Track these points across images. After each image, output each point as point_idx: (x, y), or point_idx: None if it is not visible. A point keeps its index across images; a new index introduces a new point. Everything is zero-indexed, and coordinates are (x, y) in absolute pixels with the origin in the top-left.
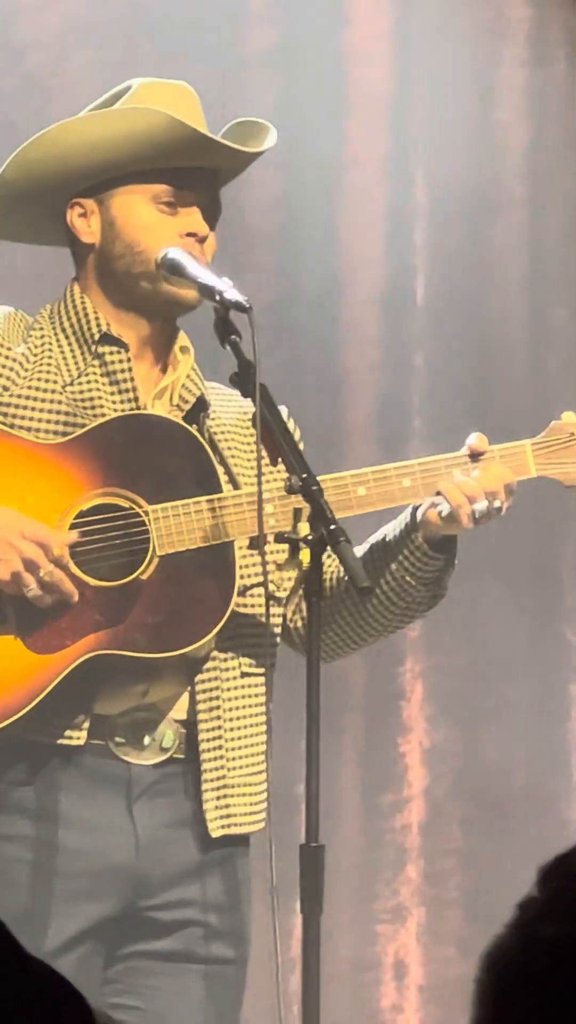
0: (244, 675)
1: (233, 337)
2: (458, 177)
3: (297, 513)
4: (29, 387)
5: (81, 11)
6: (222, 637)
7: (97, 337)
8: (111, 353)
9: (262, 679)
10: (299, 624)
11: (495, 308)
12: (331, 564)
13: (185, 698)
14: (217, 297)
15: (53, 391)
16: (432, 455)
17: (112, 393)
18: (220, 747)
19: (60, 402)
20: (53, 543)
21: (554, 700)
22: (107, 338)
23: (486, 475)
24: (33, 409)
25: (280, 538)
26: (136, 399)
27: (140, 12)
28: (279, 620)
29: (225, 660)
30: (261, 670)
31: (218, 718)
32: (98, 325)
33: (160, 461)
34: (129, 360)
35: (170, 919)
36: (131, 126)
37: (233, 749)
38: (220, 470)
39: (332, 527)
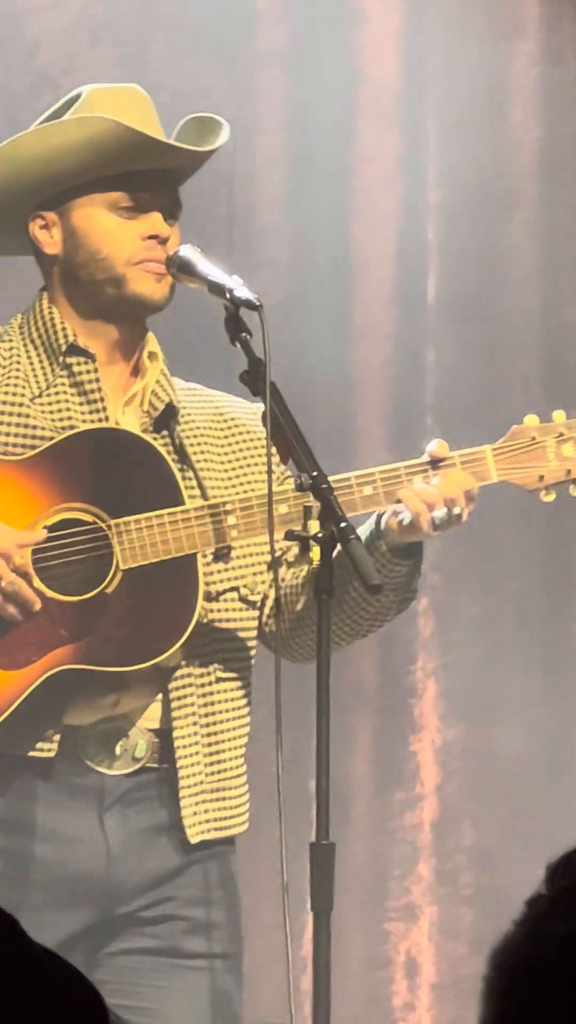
0: (219, 680)
1: (243, 335)
2: (470, 174)
3: (307, 511)
4: None
5: (92, 9)
6: (194, 644)
7: (64, 348)
8: (78, 364)
9: (238, 682)
10: (273, 626)
11: (507, 306)
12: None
13: (157, 707)
14: (227, 295)
15: (21, 404)
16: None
17: (81, 403)
18: (197, 753)
19: (28, 415)
20: (14, 552)
21: (565, 698)
22: (74, 349)
23: (446, 482)
24: (1, 423)
25: (291, 536)
26: (104, 409)
27: (151, 10)
28: (254, 623)
29: (199, 667)
30: (236, 674)
31: (194, 724)
32: (65, 336)
33: (122, 475)
34: (96, 371)
35: (150, 916)
36: (82, 136)
37: (210, 755)
38: (183, 484)
39: (342, 525)
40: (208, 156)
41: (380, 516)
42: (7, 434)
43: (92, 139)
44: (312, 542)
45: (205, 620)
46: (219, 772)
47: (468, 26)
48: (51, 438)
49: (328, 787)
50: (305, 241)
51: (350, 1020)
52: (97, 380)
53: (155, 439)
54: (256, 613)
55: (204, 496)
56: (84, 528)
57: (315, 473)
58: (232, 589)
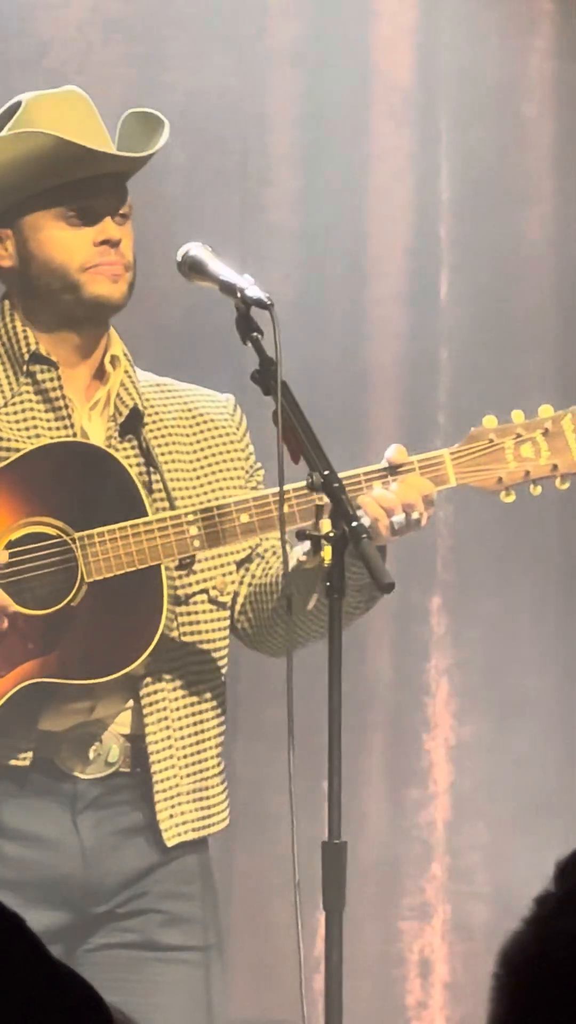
0: (192, 683)
1: (254, 334)
2: (483, 171)
3: (319, 510)
4: None
5: (104, 5)
6: (165, 649)
7: (27, 356)
8: (41, 372)
9: (211, 683)
10: (245, 624)
11: (520, 303)
12: (273, 565)
13: (129, 712)
14: (238, 294)
15: None
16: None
17: (46, 411)
18: (171, 756)
19: None
20: None
21: None
22: (36, 357)
23: (404, 488)
24: None
25: (302, 535)
26: (70, 416)
27: (164, 6)
28: (225, 623)
29: (170, 672)
30: (208, 675)
31: (167, 728)
32: (27, 344)
33: (85, 488)
34: (59, 378)
35: (126, 911)
36: (21, 151)
37: (184, 757)
38: (145, 496)
39: (354, 524)
40: (150, 157)
41: None
42: None
43: (31, 154)
44: (324, 542)
45: (175, 624)
46: (197, 773)
47: (481, 22)
48: (18, 449)
49: (340, 786)
50: (317, 239)
51: (363, 1019)
52: (61, 388)
53: (121, 445)
54: (227, 614)
55: (170, 502)
56: (49, 542)
57: (327, 472)
58: (201, 592)
